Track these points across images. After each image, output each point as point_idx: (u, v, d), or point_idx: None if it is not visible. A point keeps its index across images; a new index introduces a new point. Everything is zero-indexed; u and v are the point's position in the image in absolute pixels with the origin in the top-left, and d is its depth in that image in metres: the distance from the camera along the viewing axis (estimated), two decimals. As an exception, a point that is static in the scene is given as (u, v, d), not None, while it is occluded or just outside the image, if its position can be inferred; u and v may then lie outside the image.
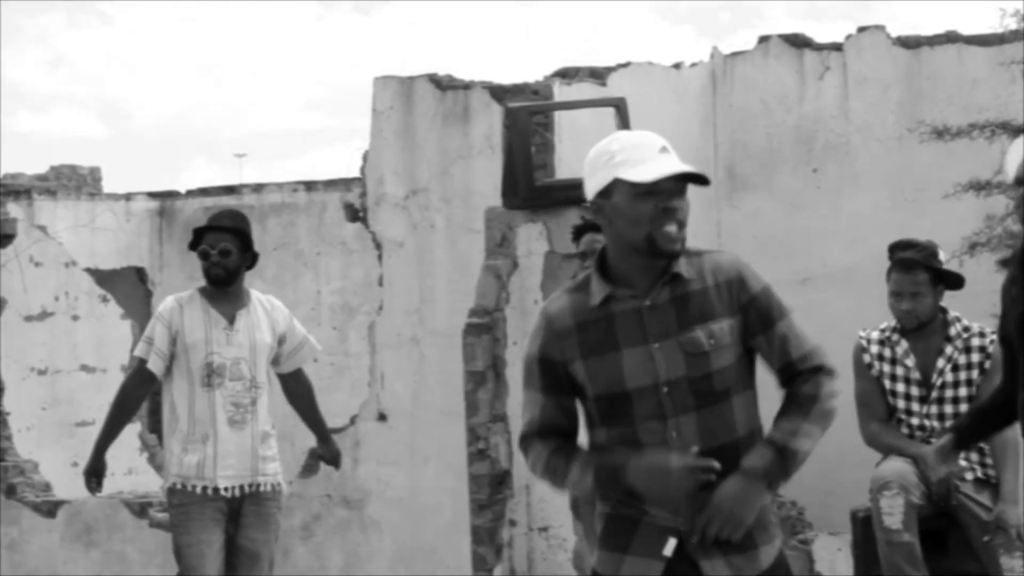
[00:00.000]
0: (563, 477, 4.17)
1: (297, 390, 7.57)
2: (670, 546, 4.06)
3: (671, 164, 4.03)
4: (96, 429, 7.61)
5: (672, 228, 4.04)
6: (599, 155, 4.09)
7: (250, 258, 7.34)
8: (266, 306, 7.40)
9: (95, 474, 7.36)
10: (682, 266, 4.09)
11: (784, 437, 4.06)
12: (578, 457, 4.15)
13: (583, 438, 4.22)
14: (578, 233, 7.67)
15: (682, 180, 4.04)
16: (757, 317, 4.12)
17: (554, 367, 4.14)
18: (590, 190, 4.10)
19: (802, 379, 4.12)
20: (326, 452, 7.71)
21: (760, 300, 4.12)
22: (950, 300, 7.10)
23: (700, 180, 4.04)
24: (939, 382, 6.93)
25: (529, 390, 4.22)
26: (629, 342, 4.07)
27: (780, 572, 4.15)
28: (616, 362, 4.07)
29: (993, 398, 5.80)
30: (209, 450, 7.17)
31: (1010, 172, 5.65)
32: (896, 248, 7.22)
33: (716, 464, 4.00)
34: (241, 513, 7.25)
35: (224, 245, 7.22)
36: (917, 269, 7.04)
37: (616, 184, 4.04)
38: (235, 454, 7.19)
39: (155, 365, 7.21)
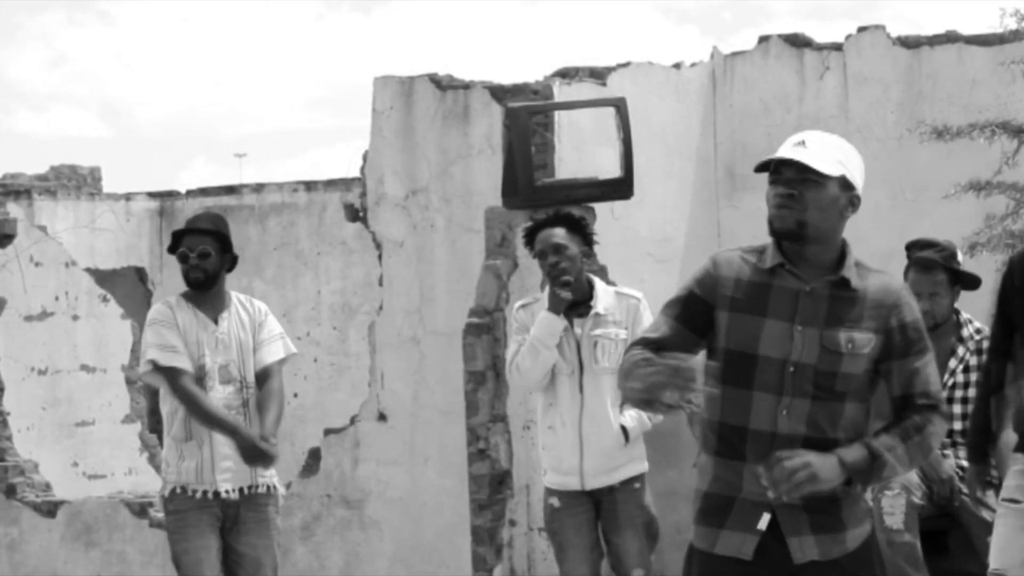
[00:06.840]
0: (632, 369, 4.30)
1: (262, 388, 7.24)
2: (764, 520, 4.27)
3: None
4: (96, 429, 7.57)
5: None
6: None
7: (230, 260, 7.27)
8: (247, 306, 7.33)
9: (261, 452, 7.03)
10: (851, 273, 4.41)
11: (880, 447, 4.27)
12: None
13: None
14: (531, 233, 7.51)
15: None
16: (900, 343, 4.36)
17: (698, 304, 4.40)
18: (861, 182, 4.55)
19: (915, 410, 4.34)
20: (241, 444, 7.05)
21: (909, 329, 4.37)
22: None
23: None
24: (950, 383, 6.89)
25: (662, 314, 4.48)
26: (776, 315, 4.33)
27: (866, 554, 4.34)
28: (757, 326, 4.32)
29: (985, 409, 5.83)
30: (206, 453, 7.13)
31: None
32: (915, 247, 7.12)
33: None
34: (240, 520, 7.21)
35: (203, 248, 7.16)
36: (936, 269, 6.96)
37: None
38: (232, 457, 7.13)
39: (188, 365, 7.10)
